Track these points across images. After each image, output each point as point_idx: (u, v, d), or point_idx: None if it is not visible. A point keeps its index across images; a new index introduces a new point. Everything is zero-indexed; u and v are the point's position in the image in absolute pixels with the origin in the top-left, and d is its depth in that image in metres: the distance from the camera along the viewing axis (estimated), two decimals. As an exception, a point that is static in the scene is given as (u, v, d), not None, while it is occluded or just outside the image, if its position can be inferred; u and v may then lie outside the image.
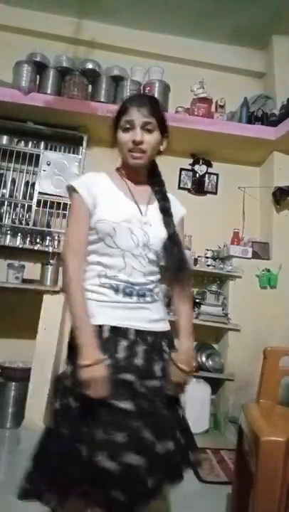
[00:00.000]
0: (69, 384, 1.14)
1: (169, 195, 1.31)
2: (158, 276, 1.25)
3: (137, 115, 1.17)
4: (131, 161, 1.20)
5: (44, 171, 3.12)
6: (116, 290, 1.15)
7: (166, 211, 1.25)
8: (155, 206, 1.25)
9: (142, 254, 1.18)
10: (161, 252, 1.22)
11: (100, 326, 1.12)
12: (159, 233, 1.21)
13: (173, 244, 1.22)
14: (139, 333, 1.14)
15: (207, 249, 3.24)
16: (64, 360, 1.23)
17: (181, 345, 1.22)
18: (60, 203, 3.15)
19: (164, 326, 1.23)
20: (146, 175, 1.28)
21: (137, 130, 1.17)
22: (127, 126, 1.18)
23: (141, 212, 1.21)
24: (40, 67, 3.12)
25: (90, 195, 1.18)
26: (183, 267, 1.23)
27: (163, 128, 1.23)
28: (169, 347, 1.22)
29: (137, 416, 1.06)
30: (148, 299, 1.19)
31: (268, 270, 3.10)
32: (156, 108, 1.22)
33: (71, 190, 1.20)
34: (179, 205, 1.33)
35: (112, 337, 1.12)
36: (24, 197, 3.15)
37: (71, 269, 1.15)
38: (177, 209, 1.30)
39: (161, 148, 1.25)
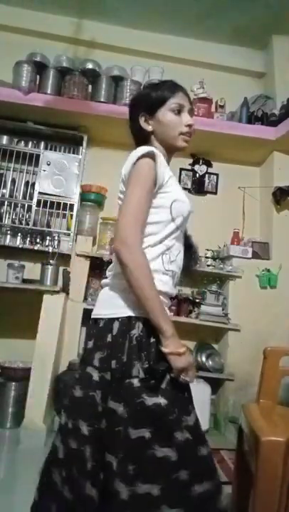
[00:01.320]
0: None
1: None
2: None
3: (186, 100, 1.20)
4: (181, 143, 1.20)
5: (44, 171, 3.12)
6: (173, 278, 1.13)
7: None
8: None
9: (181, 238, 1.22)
10: None
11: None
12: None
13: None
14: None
15: (207, 249, 3.24)
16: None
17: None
18: (60, 203, 3.15)
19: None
20: None
21: (187, 114, 1.19)
22: (178, 108, 1.19)
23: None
24: (40, 67, 3.12)
25: (160, 172, 1.08)
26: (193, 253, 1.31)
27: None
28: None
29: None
30: (175, 291, 1.19)
31: (268, 270, 3.10)
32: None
33: (148, 156, 1.07)
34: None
35: (102, 330, 1.07)
36: (24, 197, 3.15)
37: (136, 245, 0.99)
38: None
39: None
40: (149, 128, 1.20)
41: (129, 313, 1.03)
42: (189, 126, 1.19)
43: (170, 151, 1.24)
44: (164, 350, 0.98)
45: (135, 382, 0.98)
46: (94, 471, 0.99)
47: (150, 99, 1.20)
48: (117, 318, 1.04)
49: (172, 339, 0.98)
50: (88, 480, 0.99)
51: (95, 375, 1.04)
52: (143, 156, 1.07)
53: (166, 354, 0.98)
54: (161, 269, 1.07)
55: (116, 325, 1.04)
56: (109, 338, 1.04)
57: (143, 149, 1.08)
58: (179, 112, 1.19)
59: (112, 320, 1.05)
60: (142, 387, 0.97)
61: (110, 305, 1.08)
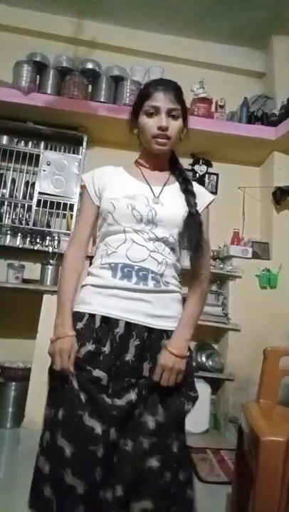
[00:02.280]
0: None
1: (194, 183, 1.27)
2: (171, 262, 1.16)
3: (164, 100, 1.14)
4: (155, 146, 1.17)
5: (44, 171, 3.12)
6: (114, 270, 1.11)
7: (188, 191, 1.20)
8: (174, 187, 1.21)
9: (145, 230, 1.13)
10: (180, 232, 1.16)
11: (92, 316, 1.11)
12: (172, 211, 1.15)
13: (193, 223, 1.15)
14: (132, 326, 1.08)
15: (207, 249, 3.24)
16: None
17: (174, 332, 1.12)
18: (60, 203, 3.15)
19: (167, 324, 1.13)
20: (167, 162, 1.26)
21: (163, 116, 1.14)
22: (152, 111, 1.15)
23: (153, 193, 1.17)
24: (40, 67, 3.12)
25: (97, 186, 1.19)
26: (199, 249, 1.15)
27: (185, 116, 1.20)
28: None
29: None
30: (150, 284, 1.10)
31: (268, 270, 3.10)
32: (180, 95, 1.18)
33: (82, 182, 1.24)
34: (205, 192, 1.27)
35: (103, 327, 1.09)
36: (24, 197, 3.15)
37: (66, 256, 1.20)
38: (202, 197, 1.24)
39: (182, 136, 1.22)
40: (134, 131, 1.22)
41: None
42: (161, 128, 1.14)
43: (155, 155, 1.22)
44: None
45: None
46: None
47: (134, 103, 1.22)
48: None
49: (54, 329, 1.12)
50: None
51: None
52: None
53: None
54: (98, 265, 1.15)
55: None
56: None
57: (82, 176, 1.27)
58: (153, 114, 1.15)
59: None
60: None
61: None
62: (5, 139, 3.20)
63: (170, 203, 1.16)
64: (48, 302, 2.71)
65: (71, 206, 3.16)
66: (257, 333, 2.91)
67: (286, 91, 3.26)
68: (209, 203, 1.25)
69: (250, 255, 3.15)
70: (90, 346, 1.08)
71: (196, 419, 2.73)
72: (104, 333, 1.08)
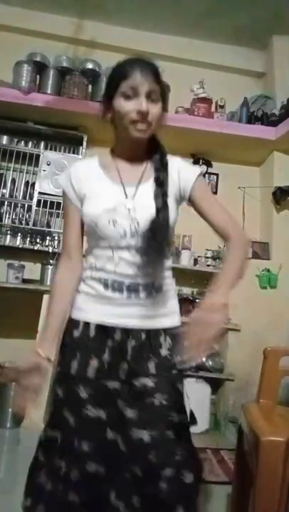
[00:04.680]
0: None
1: (174, 159, 1.14)
2: (162, 268, 1.11)
3: (142, 81, 1.01)
4: (134, 133, 1.05)
5: (44, 171, 3.12)
6: (105, 285, 1.08)
7: (159, 182, 1.08)
8: (150, 183, 1.10)
9: (130, 245, 1.05)
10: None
11: (87, 324, 1.09)
12: (150, 215, 1.05)
13: (157, 222, 1.03)
14: (128, 331, 1.06)
15: (207, 249, 3.24)
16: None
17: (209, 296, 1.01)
18: (60, 203, 3.15)
19: (164, 322, 1.10)
20: (145, 149, 1.13)
21: (142, 98, 1.01)
22: (129, 93, 1.02)
23: (126, 196, 1.07)
24: (40, 67, 3.12)
25: (76, 190, 1.11)
26: (161, 251, 1.06)
27: (165, 100, 1.08)
28: (172, 344, 1.09)
29: (109, 425, 1.04)
30: (142, 295, 1.07)
31: (268, 270, 3.10)
32: (159, 75, 1.06)
33: (61, 187, 1.17)
34: (187, 167, 1.14)
35: (98, 335, 1.07)
36: (24, 197, 3.16)
37: (57, 269, 1.18)
38: (185, 173, 1.12)
39: (162, 122, 1.10)
40: (108, 117, 1.10)
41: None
42: (141, 113, 1.01)
43: (132, 143, 1.09)
44: None
45: None
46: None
47: (107, 84, 1.09)
48: None
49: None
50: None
51: None
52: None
53: None
54: (89, 276, 1.12)
55: None
56: None
57: (57, 179, 1.18)
58: (130, 97, 1.02)
59: None
60: None
61: None
62: (5, 139, 3.20)
63: (147, 206, 1.06)
64: (48, 302, 2.71)
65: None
66: (257, 333, 2.91)
67: (286, 91, 3.26)
68: (196, 178, 1.11)
69: (250, 255, 3.15)
70: (94, 361, 1.06)
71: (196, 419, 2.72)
72: (102, 342, 1.07)
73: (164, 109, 1.08)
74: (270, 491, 1.24)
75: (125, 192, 1.08)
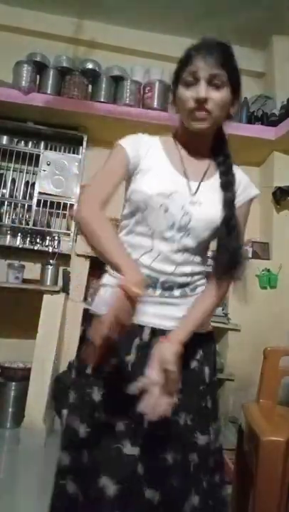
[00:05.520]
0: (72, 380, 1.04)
1: (239, 171, 1.07)
2: (199, 270, 1.02)
3: (203, 66, 0.93)
4: (191, 124, 0.96)
5: (44, 171, 3.12)
6: None
7: (227, 187, 1.01)
8: (212, 182, 1.02)
9: (175, 238, 0.96)
10: (209, 238, 1.00)
11: None
12: (208, 215, 0.97)
13: (228, 229, 0.97)
14: (157, 332, 0.95)
15: (207, 249, 3.24)
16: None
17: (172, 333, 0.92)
18: (60, 203, 3.15)
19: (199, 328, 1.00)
20: (209, 145, 1.05)
21: (202, 84, 0.92)
22: (190, 79, 0.94)
23: (190, 189, 0.98)
24: (40, 67, 3.12)
25: (135, 153, 0.99)
26: (235, 261, 0.99)
27: (235, 85, 0.98)
28: (203, 353, 1.00)
29: (125, 436, 0.91)
30: (176, 293, 0.98)
31: (268, 270, 3.10)
32: (228, 58, 0.98)
33: (116, 145, 1.01)
34: (250, 184, 1.08)
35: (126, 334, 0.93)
36: (24, 197, 3.15)
37: (84, 205, 0.94)
38: (245, 189, 1.06)
39: (232, 111, 1.01)
40: (175, 109, 1.01)
41: None
42: (198, 100, 0.92)
43: (193, 135, 1.00)
44: None
45: None
46: None
47: (174, 70, 1.00)
48: None
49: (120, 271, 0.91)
50: None
51: None
52: (114, 148, 1.02)
53: None
54: None
55: None
56: None
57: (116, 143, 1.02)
58: (191, 84, 0.94)
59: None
60: None
61: None
62: (5, 139, 3.20)
63: (208, 205, 0.98)
64: (48, 302, 2.72)
65: (71, 206, 3.16)
66: (257, 333, 2.91)
67: (286, 91, 3.26)
68: (252, 198, 1.08)
69: (250, 255, 3.15)
70: (114, 360, 0.95)
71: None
72: (128, 340, 0.94)
73: (235, 96, 0.98)
74: (270, 491, 1.24)
75: (189, 184, 0.99)
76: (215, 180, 1.02)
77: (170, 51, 3.46)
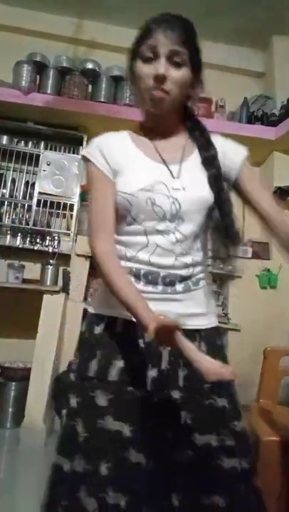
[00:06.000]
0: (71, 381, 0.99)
1: (218, 139, 1.00)
2: (200, 259, 0.97)
3: (164, 40, 0.87)
4: (149, 103, 0.90)
5: (44, 171, 3.12)
6: (136, 277, 0.92)
7: (210, 162, 0.95)
8: (193, 159, 0.96)
9: (170, 229, 0.92)
10: (205, 220, 0.95)
11: (113, 319, 0.94)
12: (197, 196, 0.92)
13: (219, 205, 0.93)
14: None
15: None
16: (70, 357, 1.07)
17: None
18: (60, 203, 3.15)
19: (203, 323, 0.97)
20: (178, 124, 1.00)
21: (161, 61, 0.86)
22: (149, 54, 0.88)
23: (172, 174, 0.93)
24: (40, 67, 3.12)
25: (109, 163, 0.95)
26: (232, 235, 0.95)
27: (197, 66, 0.94)
28: (207, 349, 0.94)
29: (132, 443, 0.86)
30: (179, 288, 0.93)
31: (268, 270, 3.10)
32: (191, 36, 0.92)
33: (85, 160, 0.98)
34: (235, 147, 1.01)
35: (127, 333, 0.92)
36: (24, 197, 3.15)
37: (99, 252, 0.92)
38: (235, 155, 0.99)
39: (192, 93, 0.96)
40: (132, 87, 0.97)
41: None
42: (157, 78, 0.85)
43: (154, 117, 0.95)
44: None
45: None
46: None
47: (130, 49, 0.95)
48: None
49: (140, 321, 0.91)
50: None
51: None
52: (83, 161, 1.01)
53: None
54: None
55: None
56: None
57: (81, 154, 1.01)
58: (150, 59, 0.87)
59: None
60: None
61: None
62: (5, 139, 3.20)
63: (194, 186, 0.93)
64: (48, 302, 2.72)
65: (71, 206, 3.16)
66: (257, 333, 2.91)
67: (286, 91, 3.26)
68: (245, 159, 1.01)
69: (250, 255, 3.15)
70: (119, 361, 0.91)
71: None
72: (132, 341, 0.91)
73: (196, 76, 0.94)
74: (270, 490, 1.24)
75: (169, 169, 0.94)
76: (196, 157, 0.97)
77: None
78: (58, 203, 3.15)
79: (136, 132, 1.01)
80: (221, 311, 3.04)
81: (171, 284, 0.92)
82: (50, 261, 2.95)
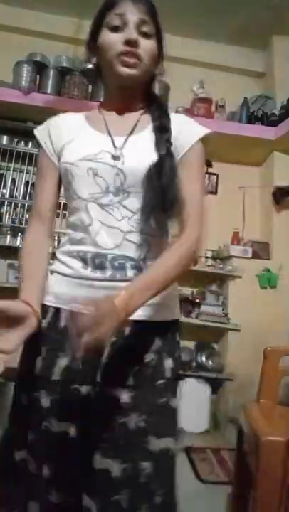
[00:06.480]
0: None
1: (179, 115, 0.96)
2: (154, 240, 0.87)
3: (132, 9, 0.85)
4: (120, 69, 0.85)
5: (44, 171, 3.12)
6: (83, 261, 0.86)
7: (161, 130, 0.89)
8: (145, 134, 0.90)
9: (113, 203, 0.84)
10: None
11: (58, 311, 0.87)
12: (143, 166, 0.84)
13: (159, 170, 0.83)
14: None
15: (207, 249, 3.24)
16: None
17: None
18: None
19: (155, 314, 0.85)
20: (139, 98, 0.95)
21: (131, 27, 0.85)
22: (117, 22, 0.86)
23: (114, 145, 0.87)
24: (40, 67, 3.12)
25: (54, 143, 0.94)
26: (168, 197, 0.83)
27: (161, 41, 0.93)
28: (162, 344, 0.86)
29: (76, 444, 0.81)
30: (130, 274, 0.84)
31: (268, 270, 3.10)
32: (155, 12, 0.90)
33: (37, 140, 0.98)
34: (194, 124, 0.94)
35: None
36: (24, 197, 3.15)
37: (26, 233, 0.97)
38: (189, 131, 0.91)
39: (157, 71, 0.94)
40: (93, 61, 0.95)
41: None
42: (129, 42, 0.83)
43: (120, 88, 0.91)
44: None
45: None
46: None
47: (94, 19, 0.93)
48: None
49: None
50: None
51: None
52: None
53: None
54: (65, 251, 0.93)
55: None
56: None
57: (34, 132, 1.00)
58: (118, 28, 0.86)
59: None
60: None
61: None
62: (5, 139, 3.20)
63: (139, 155, 0.85)
64: (48, 302, 2.71)
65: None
66: (257, 333, 2.91)
67: (286, 91, 3.26)
68: (198, 140, 0.91)
69: (250, 255, 3.15)
70: (62, 359, 0.85)
71: (196, 419, 2.73)
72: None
73: (160, 52, 0.93)
74: (270, 491, 1.24)
75: (113, 141, 0.88)
76: (148, 132, 0.90)
77: (170, 51, 3.44)
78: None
79: (90, 111, 1.00)
80: (221, 311, 3.04)
81: (122, 268, 0.84)
82: (50, 261, 2.94)
